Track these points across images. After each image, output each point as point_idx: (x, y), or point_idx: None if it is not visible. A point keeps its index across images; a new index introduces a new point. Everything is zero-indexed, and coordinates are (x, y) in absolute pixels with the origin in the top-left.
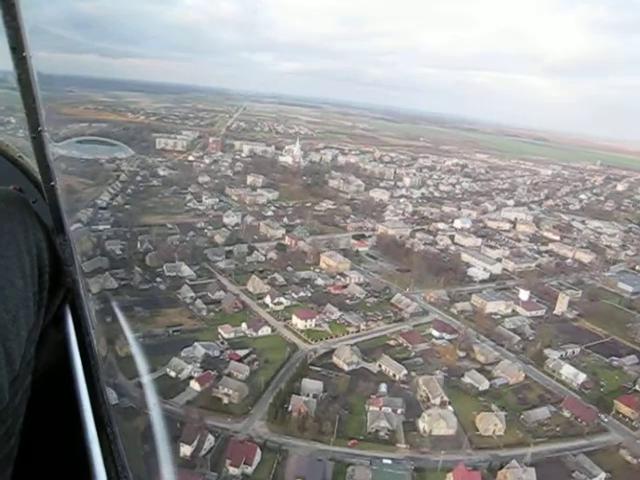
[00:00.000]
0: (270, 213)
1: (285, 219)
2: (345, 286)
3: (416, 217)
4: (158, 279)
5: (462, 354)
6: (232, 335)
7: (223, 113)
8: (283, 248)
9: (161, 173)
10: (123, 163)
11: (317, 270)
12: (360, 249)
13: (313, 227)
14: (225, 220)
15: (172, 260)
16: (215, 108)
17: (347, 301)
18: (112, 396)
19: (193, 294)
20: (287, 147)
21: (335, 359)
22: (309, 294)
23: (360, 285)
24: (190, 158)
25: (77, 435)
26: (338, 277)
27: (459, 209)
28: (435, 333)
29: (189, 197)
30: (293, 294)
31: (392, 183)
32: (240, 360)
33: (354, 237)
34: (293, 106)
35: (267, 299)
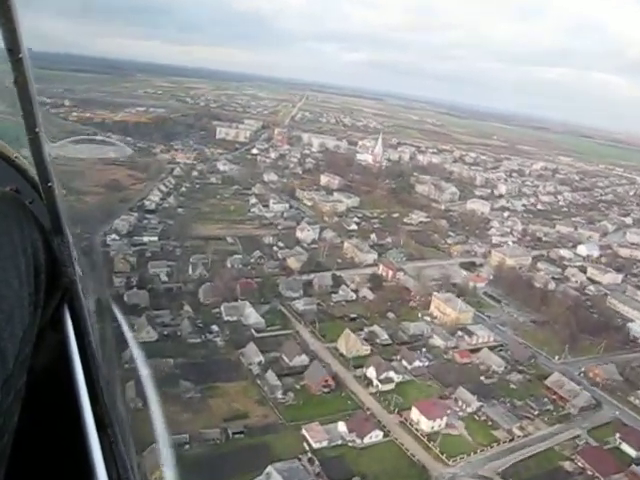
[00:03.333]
0: (353, 226)
1: (373, 236)
2: (475, 351)
3: (529, 238)
4: (214, 327)
5: None
6: (325, 444)
7: (286, 102)
8: (378, 282)
9: (221, 168)
10: (179, 154)
11: (428, 318)
12: (477, 285)
13: (409, 248)
14: (299, 235)
15: (233, 296)
16: (277, 97)
17: (482, 378)
18: (112, 396)
19: (262, 358)
20: (362, 142)
21: None
22: (426, 363)
23: (493, 349)
24: (254, 151)
25: (77, 436)
26: (460, 334)
27: (575, 228)
28: (629, 450)
29: (253, 200)
30: (404, 362)
31: (488, 191)
32: None
33: (463, 266)
34: (355, 97)
35: (370, 371)
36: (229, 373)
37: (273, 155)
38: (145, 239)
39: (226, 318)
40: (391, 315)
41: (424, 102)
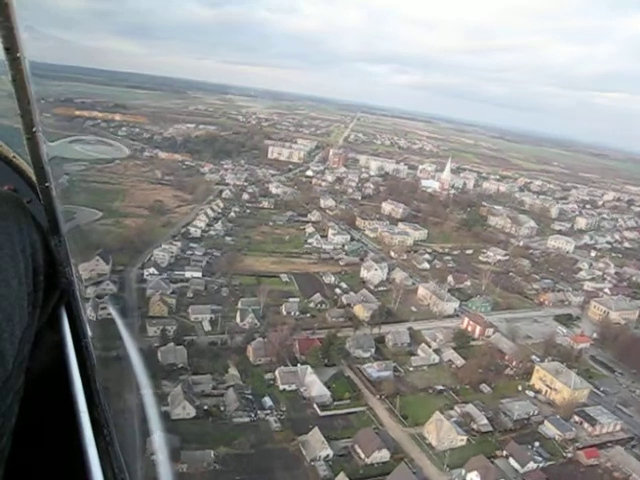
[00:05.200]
0: (425, 265)
1: (450, 278)
2: (601, 446)
3: (625, 284)
4: (267, 401)
5: None
6: None
7: (338, 123)
8: (465, 341)
9: (273, 191)
10: (228, 174)
11: (531, 393)
12: (584, 346)
13: (492, 294)
14: (365, 274)
15: (290, 355)
16: (329, 117)
17: None
18: (108, 397)
19: (330, 451)
20: (422, 166)
21: None
22: (542, 464)
23: (625, 445)
24: (308, 173)
25: (73, 437)
26: (577, 419)
27: None
28: None
29: (310, 229)
30: (513, 461)
31: (566, 225)
32: None
33: (558, 319)
34: (406, 119)
35: (472, 477)
36: (286, 472)
37: (329, 178)
38: (187, 274)
39: (282, 387)
40: (486, 388)
41: (474, 125)
